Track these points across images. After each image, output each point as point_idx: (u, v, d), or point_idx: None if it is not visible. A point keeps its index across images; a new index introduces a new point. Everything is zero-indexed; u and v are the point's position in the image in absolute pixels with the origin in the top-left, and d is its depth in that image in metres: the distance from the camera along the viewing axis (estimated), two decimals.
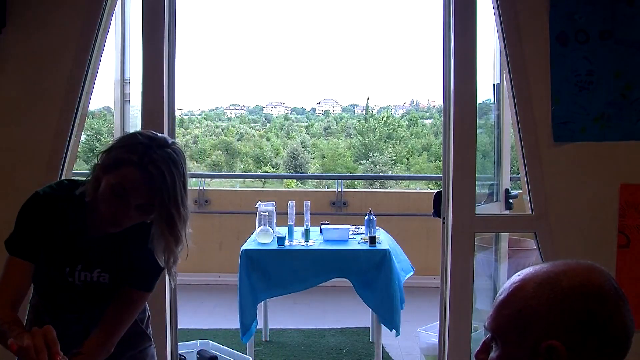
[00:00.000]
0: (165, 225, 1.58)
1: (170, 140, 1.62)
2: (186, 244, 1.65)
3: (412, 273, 4.21)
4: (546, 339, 0.99)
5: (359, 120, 36.91)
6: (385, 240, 4.08)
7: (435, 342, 2.82)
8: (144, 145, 1.56)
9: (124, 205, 1.56)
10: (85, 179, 1.68)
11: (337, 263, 3.93)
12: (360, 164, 32.17)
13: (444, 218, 2.56)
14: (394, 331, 3.78)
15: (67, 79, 2.48)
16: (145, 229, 1.65)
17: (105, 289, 1.72)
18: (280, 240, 3.93)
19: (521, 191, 2.73)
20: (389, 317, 3.76)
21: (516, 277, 1.08)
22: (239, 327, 3.77)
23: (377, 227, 4.15)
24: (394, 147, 33.52)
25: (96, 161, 1.62)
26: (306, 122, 39.66)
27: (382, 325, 3.86)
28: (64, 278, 1.70)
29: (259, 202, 4.25)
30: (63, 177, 2.48)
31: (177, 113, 2.58)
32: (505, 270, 3.26)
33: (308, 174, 31.30)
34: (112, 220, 1.59)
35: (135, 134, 1.64)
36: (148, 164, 1.53)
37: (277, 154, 34.73)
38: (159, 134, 1.63)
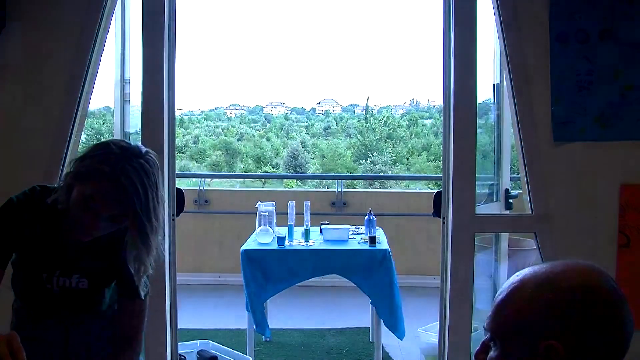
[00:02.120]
0: (137, 235, 1.58)
1: (143, 150, 1.60)
2: (158, 253, 1.64)
3: None
4: (545, 339, 0.99)
5: (359, 120, 36.87)
6: (385, 240, 4.08)
7: (435, 342, 2.82)
8: (116, 156, 1.54)
9: (94, 216, 1.56)
10: (57, 185, 1.68)
11: (337, 263, 3.94)
12: (360, 164, 32.14)
13: (444, 218, 2.56)
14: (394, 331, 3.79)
15: (67, 79, 2.48)
16: (124, 235, 1.64)
17: (84, 295, 1.72)
18: (280, 240, 3.93)
19: (521, 191, 2.73)
20: (393, 320, 3.77)
21: (515, 277, 1.08)
22: (246, 327, 3.80)
23: (377, 227, 4.15)
24: (393, 147, 33.49)
25: (69, 169, 1.61)
26: (306, 122, 39.62)
27: (382, 325, 3.87)
28: (41, 284, 1.70)
29: (259, 202, 4.25)
30: (63, 177, 2.47)
31: (177, 113, 2.58)
32: (505, 270, 3.26)
33: (308, 174, 31.27)
34: (83, 229, 1.59)
35: (108, 143, 1.61)
36: (120, 175, 1.52)
37: (277, 154, 34.70)
38: (132, 144, 1.61)
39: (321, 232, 4.22)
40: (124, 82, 2.95)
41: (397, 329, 3.81)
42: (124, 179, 1.52)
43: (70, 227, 1.63)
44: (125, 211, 1.55)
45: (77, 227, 1.60)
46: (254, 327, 3.87)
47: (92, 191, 1.54)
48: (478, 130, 2.55)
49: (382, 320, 3.84)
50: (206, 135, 36.26)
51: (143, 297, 1.75)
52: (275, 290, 3.93)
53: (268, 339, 4.34)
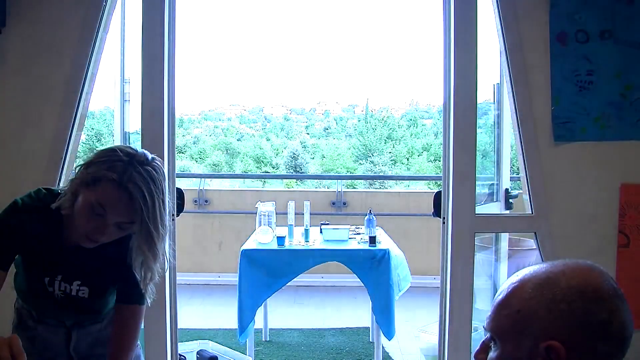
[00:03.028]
0: (143, 243, 1.57)
1: (149, 157, 1.59)
2: (164, 260, 1.65)
3: (408, 285, 4.17)
4: (545, 340, 0.99)
5: (359, 121, 36.88)
6: (385, 240, 4.08)
7: (435, 342, 2.82)
8: (124, 163, 1.53)
9: (102, 223, 1.55)
10: (61, 189, 1.67)
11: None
12: (360, 164, 32.15)
13: (444, 218, 2.56)
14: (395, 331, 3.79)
15: (67, 79, 2.48)
16: (126, 242, 1.64)
17: (85, 303, 1.72)
18: (280, 240, 3.93)
19: (521, 191, 2.73)
20: (386, 320, 3.77)
21: (514, 277, 1.08)
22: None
23: (377, 227, 4.15)
24: (393, 147, 33.50)
25: (74, 174, 1.60)
26: (306, 122, 39.63)
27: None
28: (43, 287, 1.70)
29: (259, 202, 4.25)
30: (63, 177, 2.48)
31: (177, 113, 2.58)
32: (505, 270, 3.26)
33: (308, 174, 31.29)
34: (89, 236, 1.58)
35: (114, 149, 1.59)
36: (127, 182, 1.51)
37: (277, 154, 34.70)
38: (138, 150, 1.60)
39: (321, 232, 4.22)
40: (124, 82, 2.95)
41: (388, 329, 3.79)
42: (132, 187, 1.51)
43: (74, 233, 1.62)
44: (132, 219, 1.54)
45: (82, 234, 1.59)
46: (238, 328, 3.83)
47: (99, 198, 1.53)
48: (478, 130, 2.55)
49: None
50: (206, 136, 36.25)
51: (144, 304, 1.75)
52: (273, 289, 3.92)
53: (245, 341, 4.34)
